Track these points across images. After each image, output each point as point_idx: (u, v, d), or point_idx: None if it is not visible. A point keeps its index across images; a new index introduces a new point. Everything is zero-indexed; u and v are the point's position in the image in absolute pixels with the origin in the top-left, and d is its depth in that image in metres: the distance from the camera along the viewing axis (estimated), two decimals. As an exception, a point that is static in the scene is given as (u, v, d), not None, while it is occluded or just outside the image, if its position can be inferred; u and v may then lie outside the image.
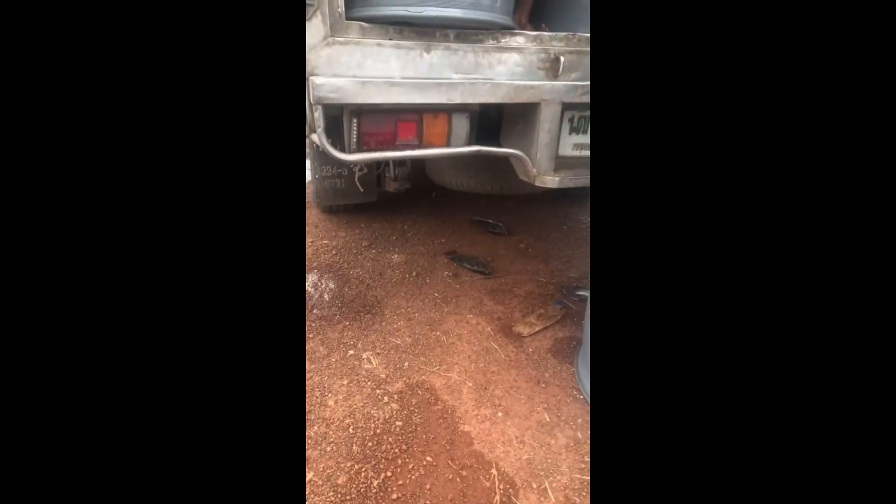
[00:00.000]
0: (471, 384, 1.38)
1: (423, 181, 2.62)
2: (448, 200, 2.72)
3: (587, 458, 1.15)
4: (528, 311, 1.76)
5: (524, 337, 1.60)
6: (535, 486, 1.07)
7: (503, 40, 1.28)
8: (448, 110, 1.24)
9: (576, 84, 1.30)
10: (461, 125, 1.27)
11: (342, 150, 1.22)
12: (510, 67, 1.31)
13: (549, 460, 1.14)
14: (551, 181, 1.36)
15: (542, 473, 1.10)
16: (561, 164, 1.43)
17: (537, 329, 1.64)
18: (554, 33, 1.35)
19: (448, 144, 1.27)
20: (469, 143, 1.29)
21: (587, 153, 1.46)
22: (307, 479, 1.06)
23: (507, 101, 1.25)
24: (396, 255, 2.13)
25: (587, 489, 1.07)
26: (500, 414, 1.27)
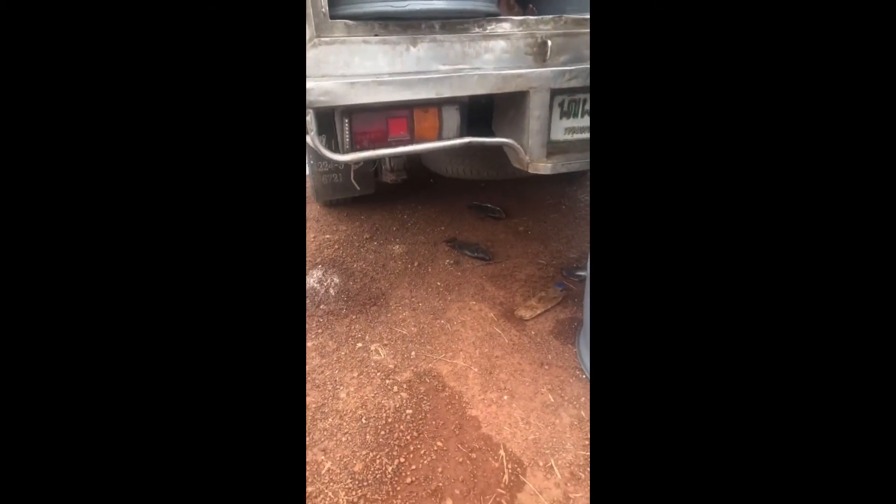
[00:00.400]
0: (476, 370, 1.42)
1: (420, 169, 2.63)
2: (446, 187, 2.72)
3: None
4: (529, 294, 1.79)
5: (526, 320, 1.64)
6: (541, 464, 1.13)
7: (489, 27, 1.28)
8: (438, 104, 1.25)
9: (563, 69, 1.30)
10: (452, 118, 1.28)
11: (336, 150, 1.23)
12: (497, 55, 1.30)
13: (555, 439, 1.19)
14: (544, 168, 1.37)
15: (547, 452, 1.16)
16: (553, 148, 1.43)
17: (539, 312, 1.68)
18: (540, 17, 1.34)
19: (440, 138, 1.28)
20: (461, 135, 1.30)
21: (579, 136, 1.47)
22: (326, 469, 1.12)
23: (495, 91, 1.25)
24: (398, 246, 2.16)
25: (591, 464, 1.12)
26: (505, 397, 1.32)
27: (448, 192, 2.69)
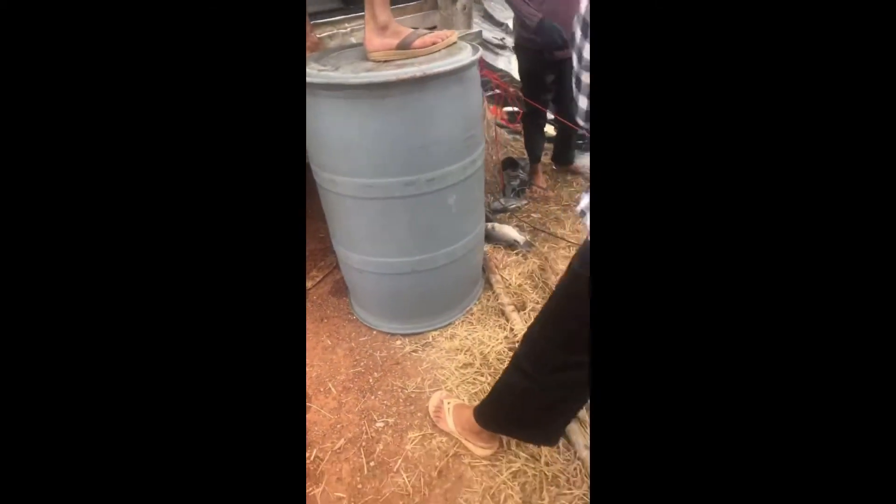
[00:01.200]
0: (268, 342, 1.76)
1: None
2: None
3: (357, 357, 1.67)
4: (311, 266, 2.14)
5: (309, 290, 2.01)
6: (322, 389, 1.56)
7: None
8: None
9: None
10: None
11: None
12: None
13: (332, 369, 1.63)
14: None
15: (327, 379, 1.59)
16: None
17: (319, 279, 2.06)
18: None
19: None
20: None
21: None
22: None
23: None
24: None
25: (358, 377, 1.60)
26: (294, 354, 1.70)
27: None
